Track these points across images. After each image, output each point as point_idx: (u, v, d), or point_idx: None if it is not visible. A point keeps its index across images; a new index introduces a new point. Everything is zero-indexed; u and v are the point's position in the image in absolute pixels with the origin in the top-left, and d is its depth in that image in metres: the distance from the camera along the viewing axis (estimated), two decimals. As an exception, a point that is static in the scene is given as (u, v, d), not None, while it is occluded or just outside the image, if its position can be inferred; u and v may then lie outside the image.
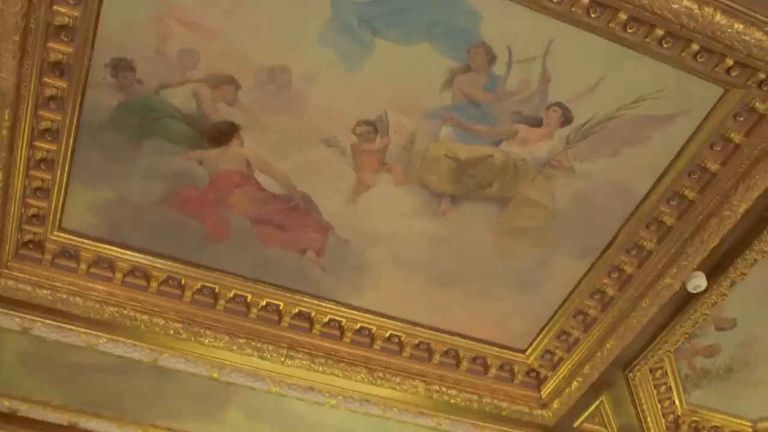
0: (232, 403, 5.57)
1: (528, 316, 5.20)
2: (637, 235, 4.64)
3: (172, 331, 4.94)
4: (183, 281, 4.87)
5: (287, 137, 4.12)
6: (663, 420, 5.92)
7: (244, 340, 5.05)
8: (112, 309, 4.83)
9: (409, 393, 5.39)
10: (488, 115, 4.04)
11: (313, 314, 5.08)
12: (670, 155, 4.22)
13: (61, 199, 4.42)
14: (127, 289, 4.85)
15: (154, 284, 4.86)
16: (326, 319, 5.11)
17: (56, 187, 4.35)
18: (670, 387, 5.71)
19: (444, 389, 5.44)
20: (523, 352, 5.49)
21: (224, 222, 4.57)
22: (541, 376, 5.63)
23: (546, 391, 5.65)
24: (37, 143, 4.11)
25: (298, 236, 4.65)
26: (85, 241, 4.65)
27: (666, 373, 5.58)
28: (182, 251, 4.75)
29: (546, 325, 5.26)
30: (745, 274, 4.77)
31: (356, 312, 5.12)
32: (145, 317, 4.89)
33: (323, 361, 5.17)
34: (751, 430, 6.22)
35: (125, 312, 4.85)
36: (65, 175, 4.29)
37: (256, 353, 5.09)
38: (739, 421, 6.16)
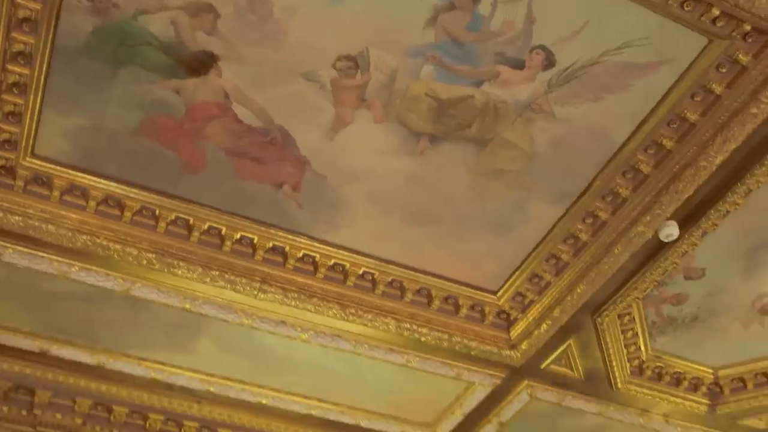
0: (203, 334, 5.59)
1: (501, 258, 5.24)
2: (613, 182, 4.66)
3: (145, 262, 4.92)
4: (157, 212, 4.84)
5: (266, 69, 4.05)
6: (628, 364, 6.03)
7: (217, 273, 5.04)
8: (84, 237, 4.79)
9: (381, 330, 5.45)
10: (471, 55, 3.99)
11: (287, 249, 5.08)
12: (650, 104, 4.22)
13: (34, 124, 4.34)
14: (100, 218, 4.81)
15: (127, 214, 4.82)
16: (300, 254, 5.11)
17: (29, 112, 4.26)
18: (637, 333, 5.81)
19: (415, 327, 5.49)
20: (495, 293, 5.54)
21: (200, 153, 4.52)
22: (511, 318, 5.70)
23: (515, 332, 5.73)
24: (9, 66, 4.01)
25: (274, 170, 4.62)
26: (58, 168, 4.59)
27: (633, 319, 5.67)
28: (157, 181, 4.71)
29: (518, 267, 5.31)
30: (716, 225, 4.82)
31: (330, 248, 5.13)
32: (118, 247, 4.85)
33: (296, 295, 5.19)
34: (712, 376, 6.35)
35: (98, 241, 4.81)
36: (38, 100, 4.21)
37: (229, 286, 5.09)
38: (702, 368, 6.29)
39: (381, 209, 4.84)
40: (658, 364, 6.13)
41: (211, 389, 6.03)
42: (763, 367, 6.28)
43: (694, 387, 6.37)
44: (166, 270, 4.98)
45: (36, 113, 4.27)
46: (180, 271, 5.00)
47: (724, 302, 5.60)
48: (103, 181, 4.67)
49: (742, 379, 6.34)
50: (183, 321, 5.44)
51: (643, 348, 5.95)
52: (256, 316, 5.33)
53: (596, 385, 6.15)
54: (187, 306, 5.27)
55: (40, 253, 4.88)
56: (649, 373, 6.16)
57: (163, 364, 5.88)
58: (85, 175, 4.64)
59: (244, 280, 5.08)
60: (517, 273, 5.34)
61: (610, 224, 4.87)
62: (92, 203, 4.74)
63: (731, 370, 6.33)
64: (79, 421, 5.85)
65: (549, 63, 4.01)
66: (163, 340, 5.64)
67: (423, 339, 5.54)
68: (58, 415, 5.81)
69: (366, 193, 4.74)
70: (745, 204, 4.71)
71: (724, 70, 4.00)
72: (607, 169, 4.59)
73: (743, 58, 3.91)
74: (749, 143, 4.29)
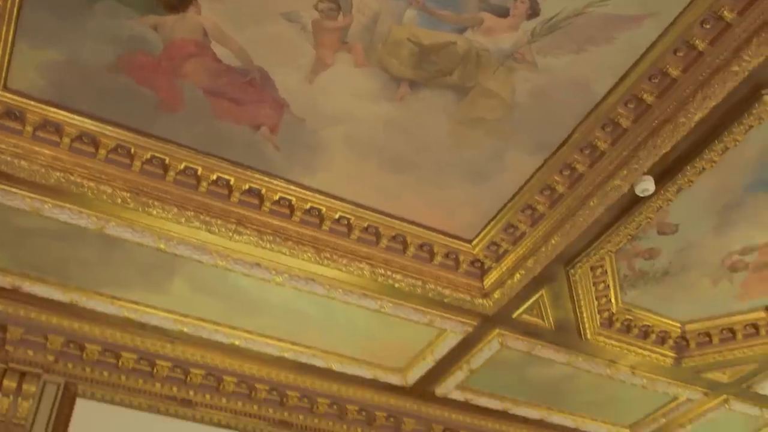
0: (178, 274, 5.58)
1: (477, 207, 5.25)
2: (592, 134, 4.66)
3: (119, 200, 4.88)
4: (132, 150, 4.78)
5: (246, 8, 3.98)
6: (598, 316, 6.11)
7: (192, 213, 5.01)
8: (58, 174, 4.72)
9: (355, 275, 5.46)
10: (454, 0, 3.94)
11: (263, 191, 5.05)
12: (633, 57, 4.20)
13: (7, 57, 4.23)
14: (74, 155, 4.75)
15: (102, 151, 4.76)
16: (276, 197, 5.09)
17: (1, 44, 4.15)
18: (608, 285, 5.87)
19: (389, 273, 5.51)
20: (470, 242, 5.57)
21: (177, 92, 4.46)
22: (485, 267, 5.74)
23: (489, 281, 5.77)
24: (-21, -4, 3.91)
25: (252, 111, 4.57)
26: (32, 102, 4.50)
27: (606, 271, 5.72)
28: (133, 119, 4.64)
29: (494, 217, 5.33)
30: (692, 182, 4.84)
31: (307, 192, 5.11)
32: (92, 184, 4.80)
33: (271, 238, 5.18)
34: (679, 330, 6.46)
35: (72, 178, 4.76)
36: (11, 32, 4.10)
37: (204, 227, 5.07)
38: (670, 321, 6.39)
39: (359, 154, 4.82)
40: (627, 316, 6.22)
41: (185, 330, 6.04)
42: (729, 322, 6.40)
43: (662, 340, 6.48)
44: (140, 209, 4.94)
45: (9, 45, 4.17)
46: (155, 211, 4.97)
47: (695, 258, 5.66)
48: (77, 117, 4.59)
49: (708, 334, 6.46)
50: (157, 261, 5.42)
51: (613, 300, 6.03)
52: (231, 257, 5.32)
53: (566, 335, 6.24)
54: (162, 246, 5.24)
55: (13, 189, 4.81)
56: (618, 325, 6.26)
57: (136, 303, 5.87)
58: (59, 111, 4.56)
59: (219, 222, 5.06)
60: (492, 222, 5.37)
61: (587, 177, 4.89)
62: (66, 140, 4.67)
63: (698, 325, 6.44)
64: (51, 358, 5.85)
65: (533, 12, 3.97)
66: (137, 279, 5.63)
67: (397, 285, 5.57)
68: (30, 352, 5.80)
69: (344, 137, 4.71)
70: (722, 162, 4.74)
71: (708, 26, 3.99)
72: (586, 121, 4.59)
73: (728, 15, 3.90)
74: (729, 101, 4.29)
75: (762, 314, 6.35)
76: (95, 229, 5.09)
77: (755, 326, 6.40)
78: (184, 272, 5.54)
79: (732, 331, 6.45)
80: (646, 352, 6.48)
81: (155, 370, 6.15)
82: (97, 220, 5.03)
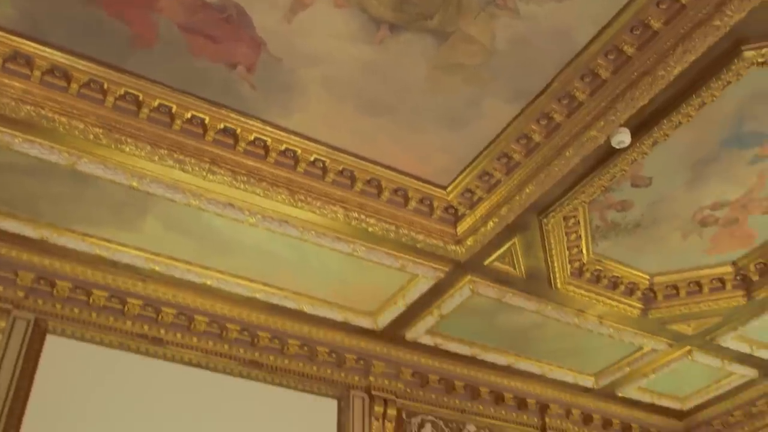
0: (150, 213, 5.53)
1: (453, 153, 5.24)
2: (571, 84, 4.65)
3: (91, 136, 4.80)
4: (105, 85, 4.70)
5: (225, -58, 3.89)
6: (569, 266, 6.17)
7: (166, 152, 4.96)
8: (28, 108, 4.63)
9: (329, 218, 5.45)
10: (438, -58, 3.88)
11: (238, 131, 5.01)
12: (616, 7, 4.18)
13: (-25, -14, 4.13)
14: (45, 89, 4.66)
15: (74, 86, 4.67)
16: (251, 138, 5.05)
17: (-31, -28, 4.04)
18: (580, 236, 5.92)
19: (363, 217, 5.51)
20: (444, 188, 5.58)
21: (152, 27, 4.37)
22: (459, 214, 5.76)
23: (462, 228, 5.79)
24: None
25: (229, 50, 4.50)
26: (2, 33, 4.39)
27: (578, 222, 5.76)
28: (106, 54, 4.55)
29: (470, 164, 5.33)
30: (668, 136, 4.86)
31: (283, 133, 5.07)
32: (63, 119, 4.72)
33: (245, 179, 5.15)
34: (647, 282, 6.55)
35: (43, 112, 4.67)
36: (-20, -40, 3.99)
37: (177, 165, 5.01)
38: (639, 273, 6.48)
39: (336, 96, 4.77)
40: (597, 267, 6.29)
41: (156, 268, 6.01)
42: (696, 276, 6.50)
43: (630, 291, 6.57)
44: (113, 146, 4.87)
45: (-23, -26, 4.06)
46: (128, 148, 4.90)
47: (666, 212, 5.72)
48: (48, 49, 4.50)
49: (675, 287, 6.56)
50: (129, 199, 5.37)
51: (584, 251, 6.08)
52: (204, 197, 5.28)
53: (536, 284, 6.30)
54: (134, 184, 5.18)
55: (-19, 122, 4.73)
56: (588, 275, 6.32)
57: (108, 241, 5.82)
58: (30, 43, 4.46)
59: (193, 161, 5.01)
60: (467, 169, 5.37)
61: (564, 127, 4.89)
62: (37, 72, 4.58)
63: (666, 278, 6.53)
64: (21, 294, 5.81)
65: (517, -43, 3.92)
66: (109, 217, 5.58)
67: (370, 229, 5.58)
68: (0, 288, 5.76)
69: (322, 78, 4.66)
70: (698, 117, 4.76)
71: (691, -22, 3.97)
72: (566, 71, 4.58)
73: (712, -32, 3.87)
74: (709, 56, 4.29)
75: (729, 269, 6.45)
76: (67, 165, 5.02)
77: (722, 281, 6.51)
78: (157, 211, 5.50)
79: (699, 284, 6.55)
80: (614, 303, 6.58)
81: (126, 308, 6.14)
82: (68, 156, 4.95)
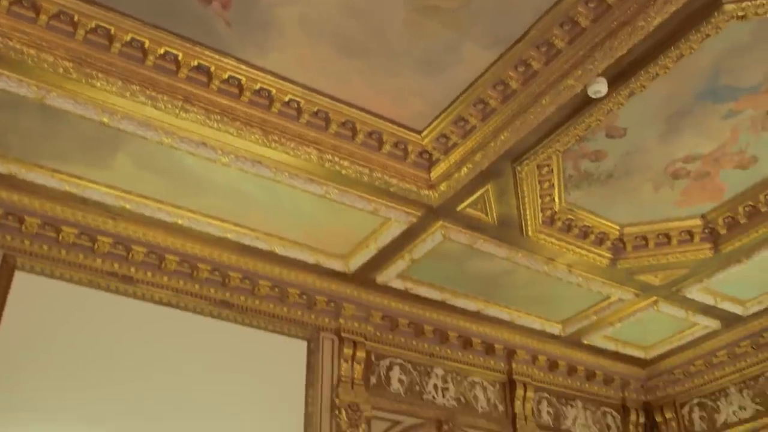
0: (121, 150, 5.46)
1: (429, 98, 5.21)
2: (550, 32, 4.61)
3: (61, 70, 4.70)
4: (76, 18, 4.58)
5: None
6: (540, 214, 6.20)
7: (138, 88, 4.87)
8: (-5, 39, 4.53)
9: (302, 159, 5.42)
10: None
11: (212, 69, 4.92)
12: (597, -46, 4.14)
13: None
14: (12, 19, 4.53)
15: (43, 17, 4.55)
16: (226, 76, 4.97)
17: None
18: (553, 185, 5.94)
19: (337, 159, 5.49)
20: (419, 132, 5.55)
21: (125, -43, 4.25)
22: (433, 159, 5.75)
23: (436, 173, 5.79)
24: None
25: (203, -17, 4.40)
26: (-34, -38, 4.28)
27: (552, 170, 5.78)
28: (76, -16, 4.44)
29: (445, 109, 5.30)
30: (644, 87, 4.87)
31: (257, 72, 5.00)
32: (32, 51, 4.61)
33: (219, 117, 5.09)
34: (617, 233, 6.61)
35: (10, 44, 4.55)
36: None
37: (149, 102, 4.94)
38: (609, 223, 6.54)
39: (313, 36, 4.70)
40: (569, 216, 6.33)
41: (127, 206, 5.96)
42: (666, 228, 6.58)
43: (600, 241, 6.64)
44: (83, 80, 4.78)
45: None
46: (99, 83, 4.81)
47: (639, 163, 5.75)
48: (16, -21, 4.38)
49: (644, 238, 6.64)
50: (100, 135, 5.29)
51: (557, 200, 6.12)
52: (177, 135, 5.22)
53: (508, 231, 6.34)
54: (105, 120, 5.10)
55: (-54, 53, 4.60)
56: (559, 224, 6.37)
57: (78, 177, 5.74)
58: (-2, -28, 4.34)
59: (165, 98, 4.93)
60: (443, 114, 5.35)
61: (542, 74, 4.87)
62: (4, 2, 4.46)
63: (636, 229, 6.60)
64: (-12, 228, 5.76)
65: None
66: (79, 153, 5.49)
67: (344, 172, 5.56)
68: (-33, 223, 5.70)
69: (299, 17, 4.58)
70: (675, 69, 4.77)
71: (675, -73, 3.92)
72: (545, 17, 4.54)
73: None
74: (689, 7, 4.28)
75: (698, 222, 6.53)
76: (35, 99, 4.92)
77: (690, 233, 6.60)
78: (128, 148, 5.42)
79: (668, 236, 6.63)
80: (583, 252, 6.65)
81: (96, 246, 6.09)
82: (37, 89, 4.85)
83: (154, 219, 6.08)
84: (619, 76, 4.78)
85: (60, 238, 5.97)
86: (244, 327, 6.69)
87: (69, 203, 5.90)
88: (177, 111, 4.99)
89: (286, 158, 5.42)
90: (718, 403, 8.42)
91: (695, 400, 8.65)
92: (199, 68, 4.93)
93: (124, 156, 5.51)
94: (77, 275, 6.04)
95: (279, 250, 6.52)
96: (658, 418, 8.87)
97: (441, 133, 5.50)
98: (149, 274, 6.31)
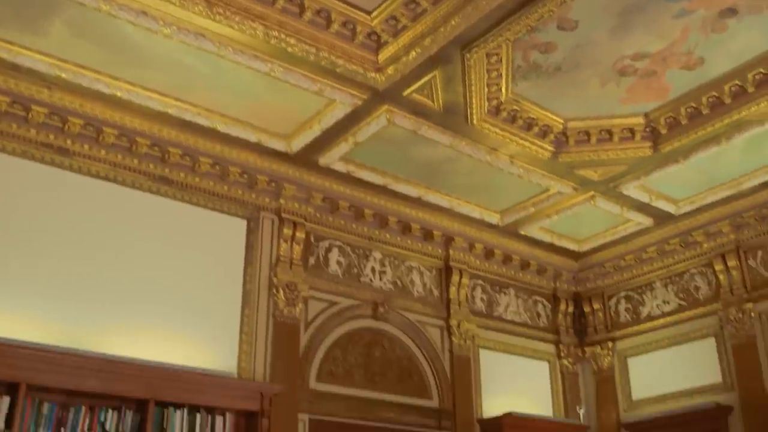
0: (57, 16, 5.20)
1: (381, -24, 5.07)
2: None
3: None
4: None
5: None
6: (486, 103, 6.19)
7: (74, -52, 4.63)
8: None
9: (247, 34, 5.26)
10: None
11: (153, -70, 4.68)
12: None
13: None
14: None
15: None
16: (168, -61, 4.74)
17: None
18: (501, 74, 5.90)
19: (283, 36, 5.34)
20: (369, 13, 5.42)
21: None
22: (382, 41, 5.63)
23: (384, 56, 5.69)
24: None
25: None
26: None
27: (501, 60, 5.73)
28: None
29: (397, -11, 5.18)
30: (599, -22, 4.81)
31: (202, -61, 4.78)
32: None
33: (160, -15, 4.89)
34: (561, 126, 6.66)
35: None
36: None
37: (86, -36, 4.70)
38: (554, 116, 6.58)
39: None
40: (514, 107, 6.33)
41: (63, 75, 5.73)
42: (608, 124, 6.66)
43: (543, 134, 6.69)
44: (16, -63, 4.51)
45: None
46: (32, -59, 4.55)
47: (588, 57, 5.75)
48: None
49: (587, 133, 6.71)
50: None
51: (503, 90, 6.09)
52: (116, 2, 4.99)
53: (453, 118, 6.33)
54: (41, -18, 4.85)
55: None
56: (504, 114, 6.38)
57: (9, 42, 5.47)
58: None
59: (104, -39, 4.70)
60: (394, -5, 5.22)
61: (496, -41, 4.77)
62: None
63: (580, 123, 6.66)
64: None
65: None
66: (11, 16, 5.22)
67: (290, 49, 5.43)
68: None
69: None
70: (631, -38, 4.71)
71: None
72: None
73: None
74: None
75: (641, 120, 6.61)
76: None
77: (632, 131, 6.69)
78: (64, 14, 5.17)
79: (610, 132, 6.72)
80: (526, 143, 6.69)
81: (30, 116, 5.88)
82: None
83: (92, 90, 5.88)
84: (575, -34, 4.71)
85: (-8, 106, 5.75)
86: (183, 204, 6.64)
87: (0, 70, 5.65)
88: (115, -25, 4.76)
89: (230, 32, 5.25)
90: (644, 296, 8.77)
91: (622, 293, 8.98)
92: (140, -72, 4.68)
93: (60, 22, 5.26)
94: (10, 145, 5.86)
95: (221, 127, 6.40)
96: (586, 309, 9.22)
97: (391, 15, 5.36)
98: (86, 146, 6.16)
